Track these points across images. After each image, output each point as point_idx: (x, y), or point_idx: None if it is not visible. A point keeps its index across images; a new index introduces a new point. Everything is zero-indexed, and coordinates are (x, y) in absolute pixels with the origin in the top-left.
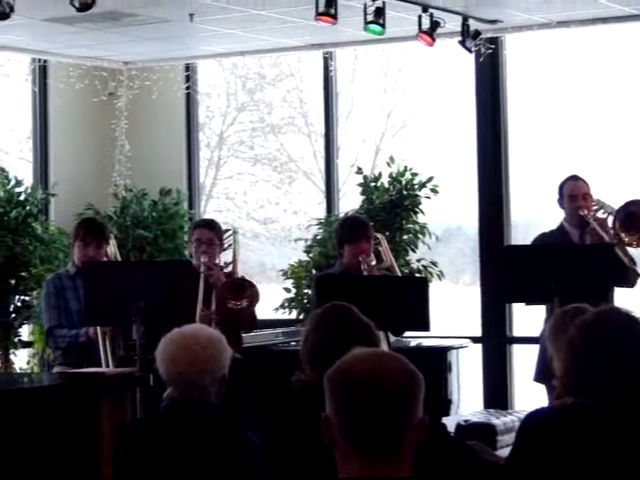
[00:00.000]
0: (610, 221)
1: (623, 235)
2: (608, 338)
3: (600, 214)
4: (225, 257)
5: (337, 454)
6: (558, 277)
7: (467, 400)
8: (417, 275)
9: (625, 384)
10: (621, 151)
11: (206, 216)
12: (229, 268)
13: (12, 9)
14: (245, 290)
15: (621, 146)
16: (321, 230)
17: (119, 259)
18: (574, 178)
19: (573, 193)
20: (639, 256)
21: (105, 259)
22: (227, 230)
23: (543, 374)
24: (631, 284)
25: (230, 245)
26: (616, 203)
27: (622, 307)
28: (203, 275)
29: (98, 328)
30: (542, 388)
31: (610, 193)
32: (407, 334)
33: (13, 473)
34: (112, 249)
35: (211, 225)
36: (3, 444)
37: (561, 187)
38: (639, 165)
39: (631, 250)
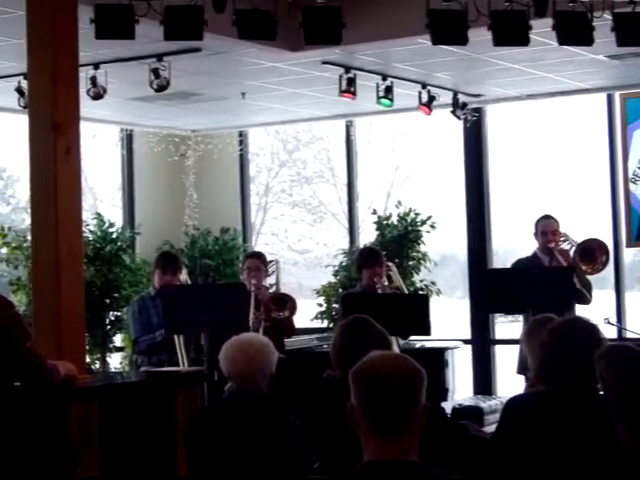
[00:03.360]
0: (572, 251)
1: (581, 264)
2: (572, 339)
3: (565, 245)
4: (270, 280)
5: (360, 434)
6: (530, 293)
7: (460, 389)
8: (420, 292)
9: (584, 375)
10: (575, 192)
11: (257, 249)
12: (273, 288)
13: (105, 91)
14: (286, 303)
15: (575, 189)
16: (345, 258)
17: (189, 283)
18: (546, 217)
19: (545, 230)
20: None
21: (179, 283)
22: (271, 261)
23: (523, 368)
24: (586, 302)
25: (274, 272)
26: (570, 232)
27: (583, 316)
28: (253, 294)
29: (175, 337)
30: (521, 378)
31: (565, 224)
32: (413, 338)
33: (108, 449)
34: (184, 276)
35: (258, 255)
36: (102, 426)
37: (536, 224)
38: (588, 203)
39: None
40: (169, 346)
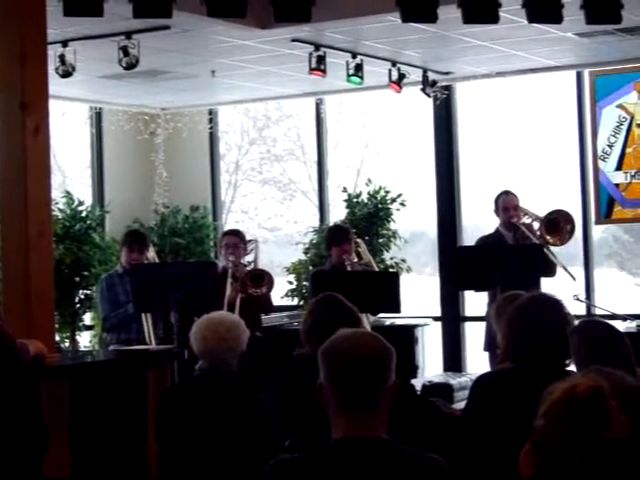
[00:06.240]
0: (535, 225)
1: (547, 237)
2: (538, 316)
3: (526, 219)
4: (248, 258)
5: (330, 412)
6: (499, 270)
7: (430, 365)
8: (390, 270)
9: (551, 352)
10: (544, 170)
11: (227, 227)
12: (251, 266)
13: (74, 69)
14: (263, 279)
15: (544, 166)
16: (315, 236)
17: (157, 261)
18: (506, 193)
19: (506, 205)
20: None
21: (146, 261)
22: (250, 240)
23: (488, 345)
24: (553, 274)
25: (252, 250)
26: (539, 209)
27: (548, 292)
28: (231, 271)
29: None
30: (486, 354)
31: (534, 201)
32: (384, 315)
33: (78, 427)
34: (151, 253)
35: (236, 233)
36: (72, 405)
37: (496, 200)
38: (557, 180)
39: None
40: (140, 321)
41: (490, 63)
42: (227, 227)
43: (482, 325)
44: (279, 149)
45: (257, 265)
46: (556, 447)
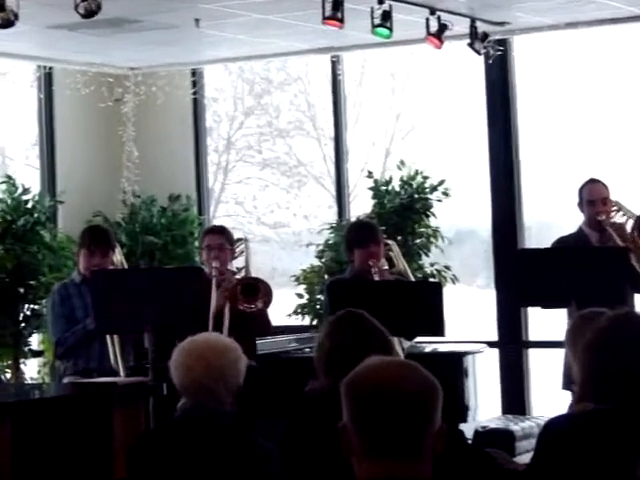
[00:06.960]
0: (629, 225)
1: None
2: (624, 343)
3: (619, 217)
4: (237, 263)
5: (354, 462)
6: (574, 280)
7: (484, 406)
8: (431, 280)
9: None
10: (631, 151)
11: (216, 221)
12: (242, 273)
13: (17, 17)
14: (259, 291)
15: (630, 146)
16: (333, 234)
17: (125, 267)
18: (592, 182)
19: (592, 197)
20: None
21: (111, 267)
22: (239, 239)
23: (569, 381)
24: None
25: (242, 252)
26: (632, 204)
27: (637, 310)
28: (215, 280)
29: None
30: (567, 395)
31: (618, 193)
32: (422, 339)
33: None
34: (118, 257)
35: (221, 231)
36: (16, 453)
37: (580, 191)
38: None
39: None
40: (104, 345)
41: (557, 11)
42: (215, 222)
43: (555, 353)
44: (283, 122)
45: (249, 270)
46: None
